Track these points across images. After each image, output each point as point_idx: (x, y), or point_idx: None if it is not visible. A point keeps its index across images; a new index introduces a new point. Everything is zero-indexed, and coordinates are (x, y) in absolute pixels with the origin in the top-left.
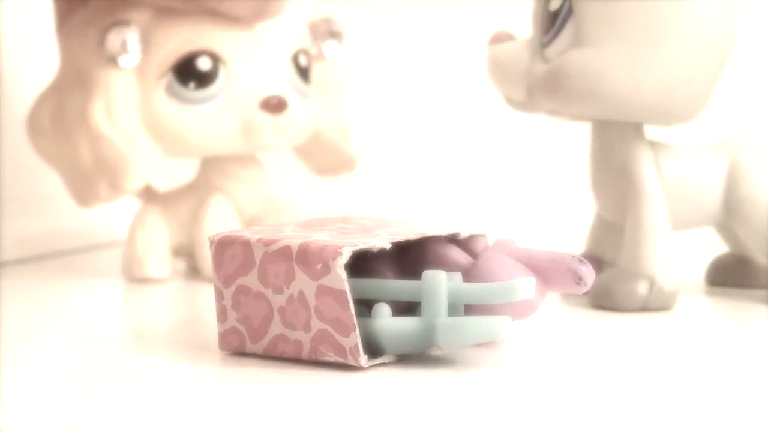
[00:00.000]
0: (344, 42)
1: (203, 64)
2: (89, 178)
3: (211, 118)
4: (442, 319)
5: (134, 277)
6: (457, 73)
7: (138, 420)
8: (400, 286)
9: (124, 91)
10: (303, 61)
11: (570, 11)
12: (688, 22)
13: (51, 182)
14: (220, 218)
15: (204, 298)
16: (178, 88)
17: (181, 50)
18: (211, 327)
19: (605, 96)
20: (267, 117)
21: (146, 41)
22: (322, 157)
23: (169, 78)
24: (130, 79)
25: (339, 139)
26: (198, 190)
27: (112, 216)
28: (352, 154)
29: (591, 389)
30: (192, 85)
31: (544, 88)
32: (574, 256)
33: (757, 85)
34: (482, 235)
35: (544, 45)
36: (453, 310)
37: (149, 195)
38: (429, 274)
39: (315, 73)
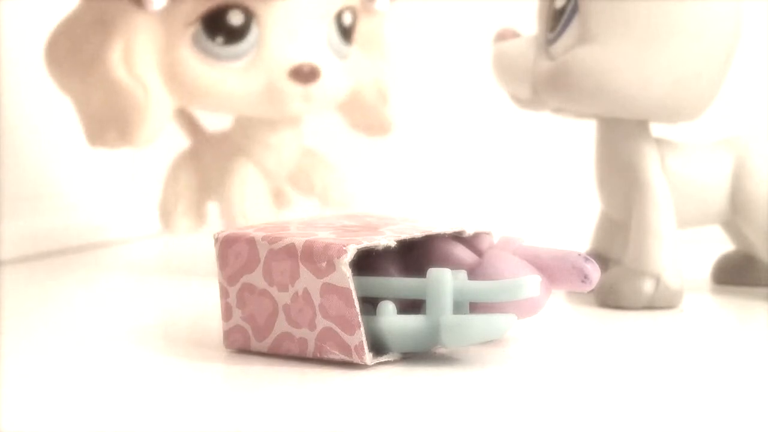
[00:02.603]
0: None
1: (235, 18)
2: (100, 122)
3: (235, 78)
4: (447, 317)
5: (165, 230)
6: (463, 71)
7: (141, 419)
8: (405, 284)
9: (146, 37)
10: (347, 19)
11: (575, 8)
12: (695, 19)
13: (51, 182)
14: (245, 186)
15: (208, 295)
16: (205, 40)
17: (213, 0)
18: (215, 325)
19: (611, 93)
20: (295, 86)
21: None
22: (357, 116)
23: (197, 28)
24: (154, 25)
25: (375, 101)
26: (227, 148)
27: (112, 216)
28: (387, 118)
29: (597, 387)
30: (220, 39)
31: (550, 86)
32: (579, 254)
33: (763, 82)
34: (487, 233)
35: (550, 42)
36: (458, 308)
37: (192, 136)
38: (434, 272)
39: (360, 26)
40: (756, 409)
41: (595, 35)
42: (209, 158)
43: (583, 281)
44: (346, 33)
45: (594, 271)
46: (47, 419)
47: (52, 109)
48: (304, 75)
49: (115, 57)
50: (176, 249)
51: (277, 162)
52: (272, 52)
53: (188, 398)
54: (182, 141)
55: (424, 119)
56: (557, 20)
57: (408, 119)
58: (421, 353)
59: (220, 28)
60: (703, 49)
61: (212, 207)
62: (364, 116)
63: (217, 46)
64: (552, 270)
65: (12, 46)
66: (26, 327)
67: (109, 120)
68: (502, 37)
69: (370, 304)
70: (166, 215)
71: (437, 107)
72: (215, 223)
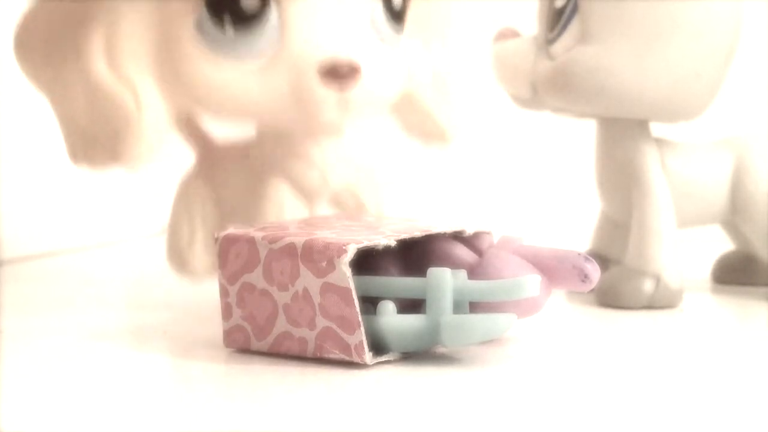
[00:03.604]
0: None
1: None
2: (83, 135)
3: (251, 81)
4: (447, 316)
5: (176, 270)
6: (462, 70)
7: (141, 418)
8: (405, 284)
9: (134, 24)
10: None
11: (575, 8)
12: (695, 19)
13: (51, 181)
14: (284, 208)
15: (208, 295)
16: (211, 28)
17: None
18: (215, 325)
19: (611, 93)
20: (328, 90)
21: None
22: (411, 120)
23: (201, 13)
24: (145, 8)
25: (431, 99)
26: (253, 164)
27: (112, 216)
28: (445, 124)
29: (597, 387)
30: (230, 28)
31: (550, 85)
32: (579, 254)
33: (763, 82)
34: (487, 233)
35: (550, 42)
36: (458, 307)
37: (200, 150)
38: (434, 272)
39: (415, 7)
40: (756, 409)
41: (595, 35)
42: (227, 178)
43: (583, 281)
44: (398, 16)
45: (594, 271)
46: (47, 419)
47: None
48: (341, 76)
49: (95, 51)
50: None
51: (320, 180)
52: (298, 44)
53: (188, 398)
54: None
55: None
56: (557, 20)
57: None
58: (421, 353)
59: (230, 11)
60: (703, 49)
61: None
62: (419, 117)
63: (227, 36)
64: (552, 270)
65: (9, 43)
66: (26, 327)
67: (94, 133)
68: (502, 36)
69: (370, 303)
70: (179, 255)
71: None
72: None
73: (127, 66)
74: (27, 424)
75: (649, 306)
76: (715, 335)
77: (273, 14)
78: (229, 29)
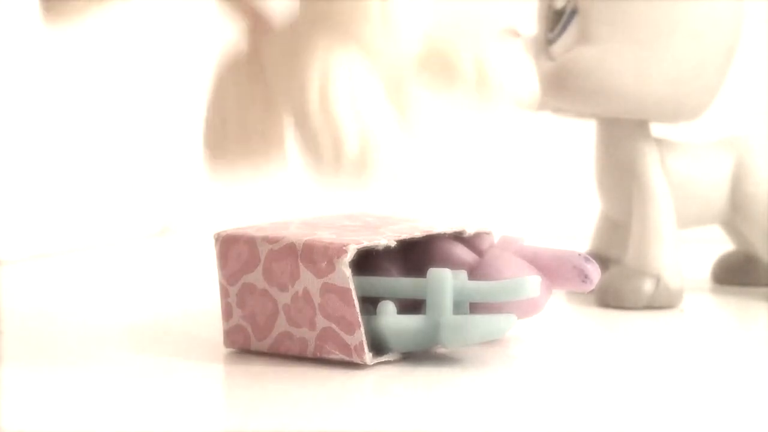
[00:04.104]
0: None
1: None
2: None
3: None
4: (447, 317)
5: (214, 173)
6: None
7: (141, 419)
8: (405, 284)
9: None
10: None
11: (575, 9)
12: (695, 19)
13: (51, 182)
14: (335, 68)
15: (208, 295)
16: None
17: None
18: (215, 325)
19: (611, 93)
20: None
21: None
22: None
23: None
24: None
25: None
26: (305, 36)
27: (112, 216)
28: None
29: (597, 387)
30: None
31: (550, 86)
32: (579, 254)
33: (763, 82)
34: (488, 233)
35: (550, 42)
36: (458, 308)
37: (250, 24)
38: (434, 272)
39: None
40: (756, 409)
41: (595, 35)
42: (276, 58)
43: (583, 281)
44: None
45: (594, 271)
46: (47, 419)
47: (52, 108)
48: None
49: None
50: (176, 249)
51: (388, 41)
52: None
53: (188, 398)
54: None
55: (424, 119)
56: (557, 20)
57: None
58: (421, 353)
59: None
60: (703, 49)
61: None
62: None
63: None
64: (552, 270)
65: (11, 45)
66: (26, 327)
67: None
68: None
69: (370, 303)
70: (214, 147)
71: (437, 107)
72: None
73: None
74: (27, 423)
75: (650, 306)
76: (715, 335)
77: None
78: None
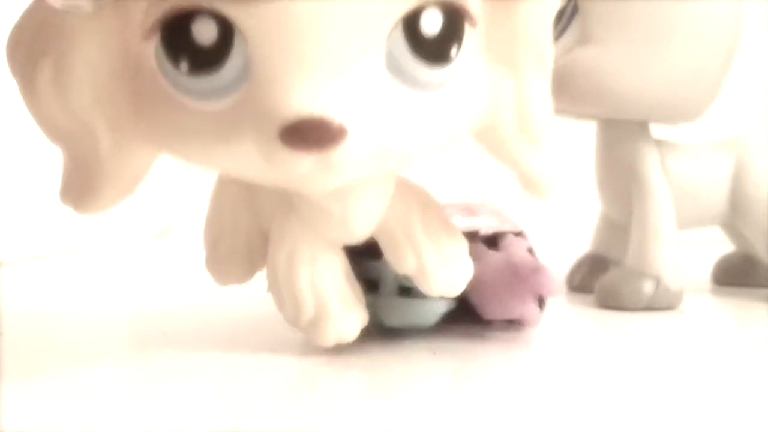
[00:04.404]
0: None
1: (204, 31)
2: (64, 172)
3: (211, 129)
4: (388, 297)
5: (215, 280)
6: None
7: (141, 419)
8: (373, 265)
9: (89, 53)
10: (431, 23)
11: (575, 9)
12: (695, 19)
13: (51, 182)
14: (296, 257)
15: (208, 296)
16: (166, 64)
17: (175, 3)
18: (215, 326)
19: (611, 94)
20: (293, 154)
21: None
22: (499, 157)
23: (157, 43)
24: (101, 32)
25: (515, 142)
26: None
27: (112, 216)
28: (534, 173)
29: (597, 388)
30: (184, 64)
31: (550, 87)
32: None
33: (763, 82)
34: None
35: None
36: (413, 291)
37: None
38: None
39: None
40: (756, 409)
41: (596, 37)
42: (263, 188)
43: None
44: (430, 43)
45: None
46: (47, 420)
47: None
48: (301, 137)
49: (42, 82)
50: (176, 249)
51: (342, 232)
52: (262, 92)
53: (188, 399)
54: None
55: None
56: (557, 21)
57: None
58: (416, 351)
59: (184, 46)
60: (703, 50)
61: None
62: (507, 162)
63: (182, 74)
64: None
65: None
66: (26, 328)
67: (68, 172)
68: None
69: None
70: (216, 263)
71: None
72: None
73: (77, 100)
74: (27, 424)
75: (650, 307)
76: (715, 336)
77: (236, 51)
78: (183, 65)
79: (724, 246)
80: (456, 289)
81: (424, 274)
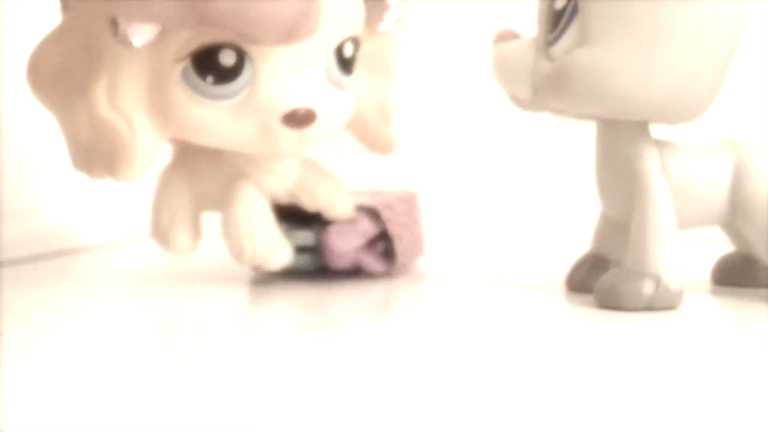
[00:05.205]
0: (406, 11)
1: (227, 58)
2: (87, 153)
3: (226, 118)
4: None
5: (165, 250)
6: (462, 72)
7: (141, 419)
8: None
9: (132, 72)
10: (348, 51)
11: (575, 9)
12: (695, 19)
13: (50, 183)
14: (252, 212)
15: (207, 295)
16: (195, 78)
17: (205, 38)
18: (214, 327)
19: (611, 95)
20: (289, 130)
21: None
22: (359, 133)
23: (186, 65)
24: (141, 59)
25: (377, 121)
26: (226, 166)
27: (112, 216)
28: (389, 138)
29: (596, 388)
30: (210, 79)
31: (550, 87)
32: None
33: (763, 82)
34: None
35: (550, 43)
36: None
37: (180, 147)
38: None
39: (365, 46)
40: (756, 409)
41: (595, 36)
42: (203, 174)
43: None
44: (347, 64)
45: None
46: (47, 420)
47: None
48: (299, 120)
49: (100, 92)
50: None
51: (280, 184)
52: (266, 94)
53: (187, 399)
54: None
55: (424, 120)
56: (557, 21)
57: (407, 120)
58: (411, 351)
59: (212, 67)
60: (703, 50)
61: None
62: (366, 134)
63: (208, 85)
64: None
65: (11, 45)
66: (26, 328)
67: (95, 152)
68: (501, 38)
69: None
70: (164, 235)
71: (437, 108)
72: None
73: (124, 104)
74: (27, 424)
75: (649, 307)
76: (715, 337)
77: (247, 69)
78: (210, 80)
79: (724, 246)
80: (348, 207)
81: (331, 202)
